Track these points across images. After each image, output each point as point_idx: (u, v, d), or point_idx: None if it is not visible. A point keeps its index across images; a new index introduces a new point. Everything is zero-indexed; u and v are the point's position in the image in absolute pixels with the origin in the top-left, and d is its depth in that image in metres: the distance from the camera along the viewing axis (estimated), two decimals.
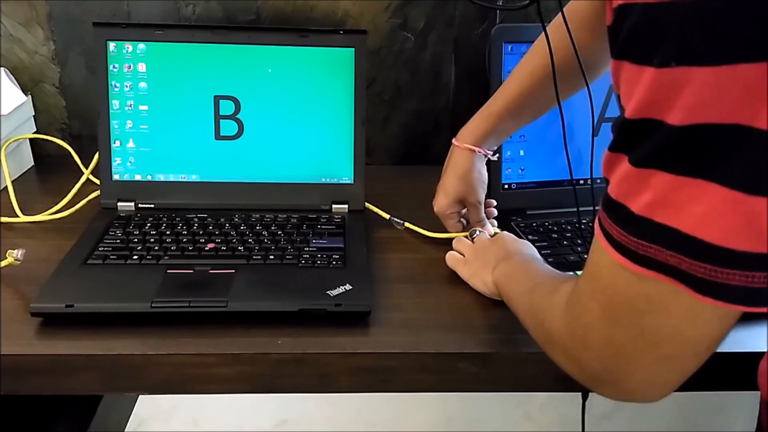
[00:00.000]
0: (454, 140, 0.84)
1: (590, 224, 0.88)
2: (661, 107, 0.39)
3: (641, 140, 0.41)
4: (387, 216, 0.90)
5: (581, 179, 0.94)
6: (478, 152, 0.82)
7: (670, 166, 0.40)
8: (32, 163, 1.07)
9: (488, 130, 0.81)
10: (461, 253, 0.78)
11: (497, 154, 0.86)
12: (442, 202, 0.84)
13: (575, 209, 0.91)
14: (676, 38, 0.38)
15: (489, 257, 0.73)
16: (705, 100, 0.37)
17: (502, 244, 0.75)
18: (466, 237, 0.82)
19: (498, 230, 0.85)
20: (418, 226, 0.88)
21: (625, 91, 0.43)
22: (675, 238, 0.40)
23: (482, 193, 0.84)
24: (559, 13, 0.76)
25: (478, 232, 0.80)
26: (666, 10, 0.38)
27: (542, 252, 0.81)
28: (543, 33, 0.70)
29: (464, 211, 0.87)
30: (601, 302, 0.46)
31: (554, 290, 0.54)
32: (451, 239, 0.85)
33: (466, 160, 0.82)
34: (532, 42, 0.92)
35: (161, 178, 0.89)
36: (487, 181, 0.84)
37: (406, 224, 0.89)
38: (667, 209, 0.40)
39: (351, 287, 0.71)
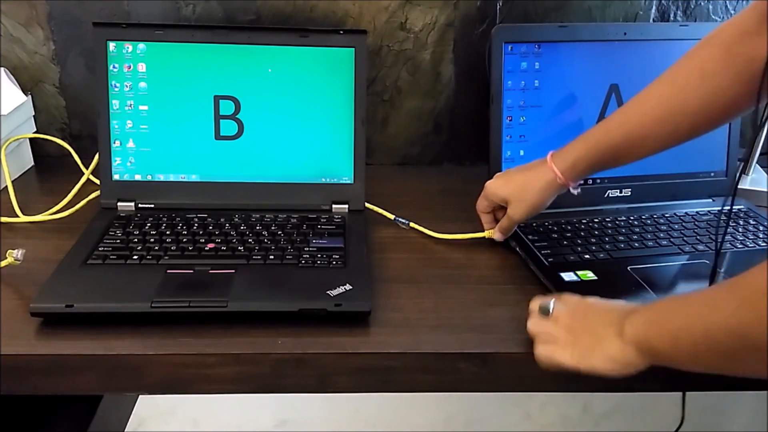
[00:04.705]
0: (551, 153, 0.78)
1: (589, 224, 0.88)
2: None
3: None
4: (392, 216, 0.90)
5: None
6: (559, 180, 0.76)
7: None
8: (32, 163, 1.07)
9: (580, 155, 0.75)
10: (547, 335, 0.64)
11: (578, 190, 0.79)
12: (496, 189, 0.81)
13: (575, 209, 0.91)
14: None
15: (596, 327, 0.61)
16: None
17: (599, 305, 0.63)
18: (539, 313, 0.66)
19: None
20: (421, 226, 0.88)
21: None
22: None
23: (525, 217, 0.79)
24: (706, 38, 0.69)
25: (552, 306, 0.64)
26: None
27: (542, 252, 0.81)
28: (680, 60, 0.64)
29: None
30: None
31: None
32: (456, 240, 0.85)
33: (541, 179, 0.77)
34: (533, 42, 0.92)
35: (161, 178, 0.89)
36: (541, 210, 0.79)
37: (411, 224, 0.89)
38: None
39: (351, 287, 0.71)
